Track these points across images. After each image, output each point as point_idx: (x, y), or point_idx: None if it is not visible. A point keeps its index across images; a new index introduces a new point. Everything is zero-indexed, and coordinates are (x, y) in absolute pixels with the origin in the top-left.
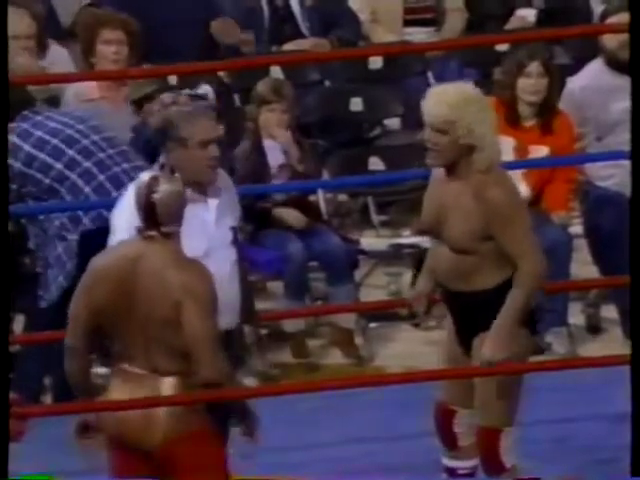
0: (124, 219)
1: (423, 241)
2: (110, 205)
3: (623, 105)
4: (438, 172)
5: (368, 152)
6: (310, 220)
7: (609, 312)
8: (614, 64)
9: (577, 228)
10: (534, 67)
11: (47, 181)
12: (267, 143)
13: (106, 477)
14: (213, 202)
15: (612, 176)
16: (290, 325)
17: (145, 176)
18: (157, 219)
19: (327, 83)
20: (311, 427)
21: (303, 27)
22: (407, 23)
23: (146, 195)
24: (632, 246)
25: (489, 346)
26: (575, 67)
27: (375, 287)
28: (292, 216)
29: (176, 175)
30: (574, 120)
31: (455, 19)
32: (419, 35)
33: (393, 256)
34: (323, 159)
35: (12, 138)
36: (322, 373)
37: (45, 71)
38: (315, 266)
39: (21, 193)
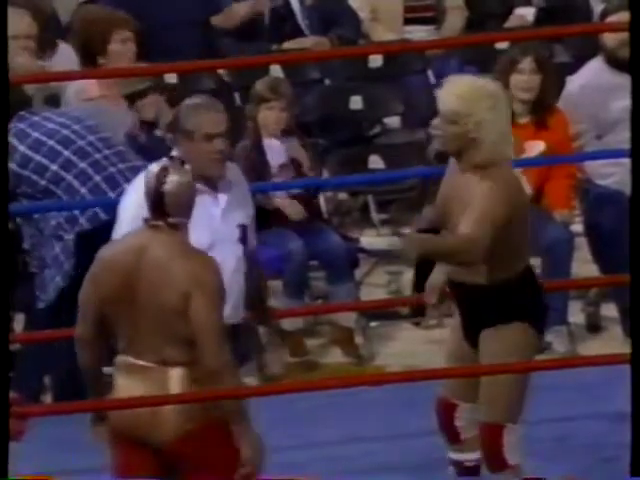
0: (130, 212)
1: None
2: (106, 204)
3: (623, 103)
4: (452, 163)
5: (368, 150)
6: (310, 216)
7: (609, 311)
8: (614, 62)
9: (577, 226)
10: (527, 63)
11: (43, 182)
12: (267, 142)
13: (106, 476)
14: (223, 197)
15: (612, 174)
16: (288, 323)
17: (155, 166)
18: (165, 210)
19: (327, 81)
20: (311, 426)
21: (303, 25)
22: (407, 21)
23: (155, 185)
24: (632, 244)
25: (405, 240)
26: (575, 65)
27: (375, 286)
28: (291, 207)
29: (186, 166)
30: (574, 118)
31: (455, 17)
32: (419, 33)
33: (393, 255)
34: (323, 158)
35: (8, 138)
36: (322, 372)
37: (45, 70)
38: (315, 265)
39: (16, 194)
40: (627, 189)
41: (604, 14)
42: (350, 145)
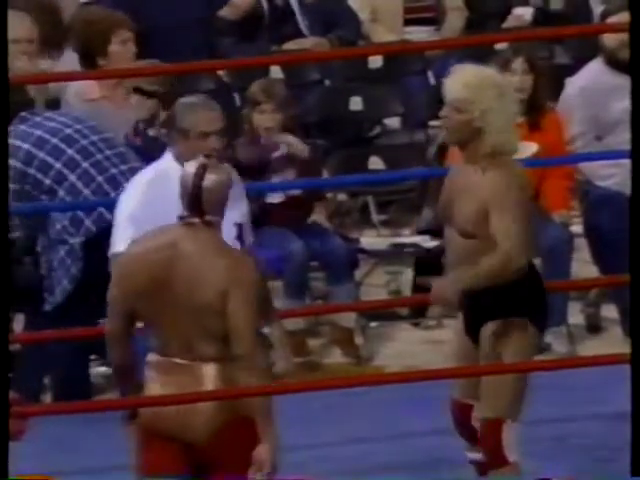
0: (128, 214)
1: (423, 240)
2: (110, 205)
3: (623, 105)
4: (454, 151)
5: (368, 151)
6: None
7: (609, 311)
8: (614, 64)
9: (577, 227)
10: (518, 64)
11: (47, 182)
12: (264, 141)
13: (106, 476)
14: None
15: (612, 176)
16: (289, 324)
17: (192, 164)
18: (202, 207)
19: (327, 82)
20: (310, 426)
21: (303, 26)
22: (407, 22)
23: (193, 183)
24: (632, 245)
25: (438, 285)
26: (575, 67)
27: (375, 286)
28: (297, 145)
29: (224, 164)
30: (573, 120)
31: (455, 18)
32: (419, 34)
33: (393, 255)
34: (323, 158)
35: (10, 140)
36: (322, 372)
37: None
38: (315, 265)
39: (23, 192)
40: (627, 190)
41: (604, 15)
42: (350, 146)
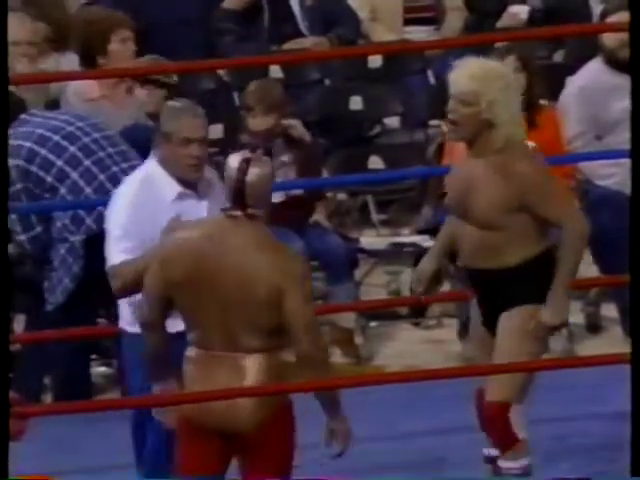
0: (118, 228)
1: (423, 240)
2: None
3: (623, 104)
4: (458, 145)
5: (368, 151)
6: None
7: (609, 311)
8: (614, 63)
9: None
10: (510, 62)
11: (49, 180)
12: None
13: (106, 476)
14: (204, 201)
15: (612, 175)
16: None
17: (236, 157)
18: (245, 200)
19: (327, 82)
20: (310, 426)
21: (302, 26)
22: (407, 22)
23: (237, 176)
24: (632, 245)
25: (548, 312)
26: (574, 66)
27: (375, 286)
28: (298, 126)
29: (266, 158)
30: (574, 119)
31: (455, 18)
32: (419, 34)
33: (393, 255)
34: (323, 158)
35: (12, 141)
36: None
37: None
38: (315, 265)
39: (27, 190)
40: (627, 190)
41: (604, 14)
42: (350, 145)
